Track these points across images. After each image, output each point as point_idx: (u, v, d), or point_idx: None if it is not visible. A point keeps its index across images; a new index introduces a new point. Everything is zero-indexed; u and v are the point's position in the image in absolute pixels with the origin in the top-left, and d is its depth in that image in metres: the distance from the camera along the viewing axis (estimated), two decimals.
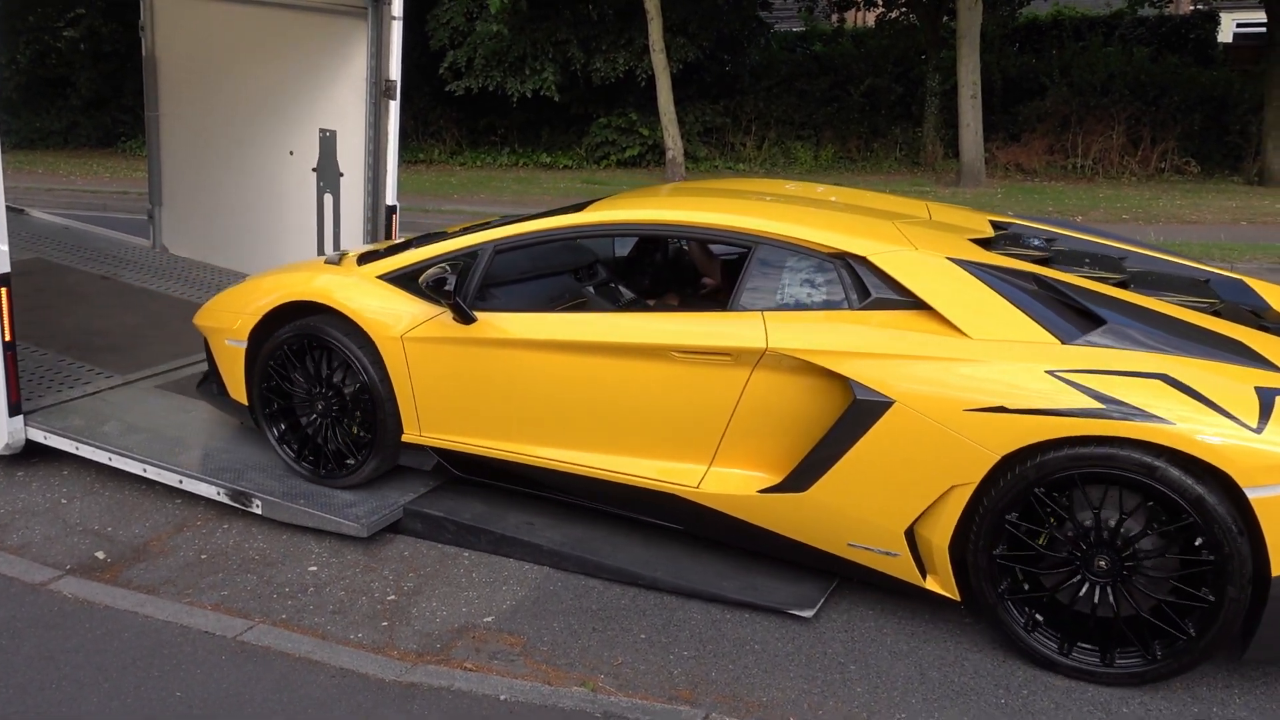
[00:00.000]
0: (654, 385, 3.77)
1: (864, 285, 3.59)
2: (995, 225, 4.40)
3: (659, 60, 16.10)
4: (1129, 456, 3.03)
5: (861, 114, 18.81)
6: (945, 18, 17.90)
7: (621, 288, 4.66)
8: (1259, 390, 3.05)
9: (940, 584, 3.44)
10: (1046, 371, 3.18)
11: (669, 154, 16.20)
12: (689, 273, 5.09)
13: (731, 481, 3.73)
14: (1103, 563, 3.16)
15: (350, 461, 4.39)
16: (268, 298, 4.49)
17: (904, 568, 3.46)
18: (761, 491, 3.62)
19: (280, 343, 4.41)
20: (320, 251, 7.03)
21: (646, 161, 18.36)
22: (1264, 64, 15.72)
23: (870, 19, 22.22)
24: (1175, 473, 2.99)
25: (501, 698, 3.19)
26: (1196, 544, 3.03)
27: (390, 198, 6.48)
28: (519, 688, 3.25)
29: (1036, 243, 4.12)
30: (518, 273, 4.34)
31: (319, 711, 3.15)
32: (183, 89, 7.70)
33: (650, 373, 3.76)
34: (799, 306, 3.66)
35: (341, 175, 6.76)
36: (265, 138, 7.16)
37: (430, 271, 3.97)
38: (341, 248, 6.61)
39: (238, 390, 4.68)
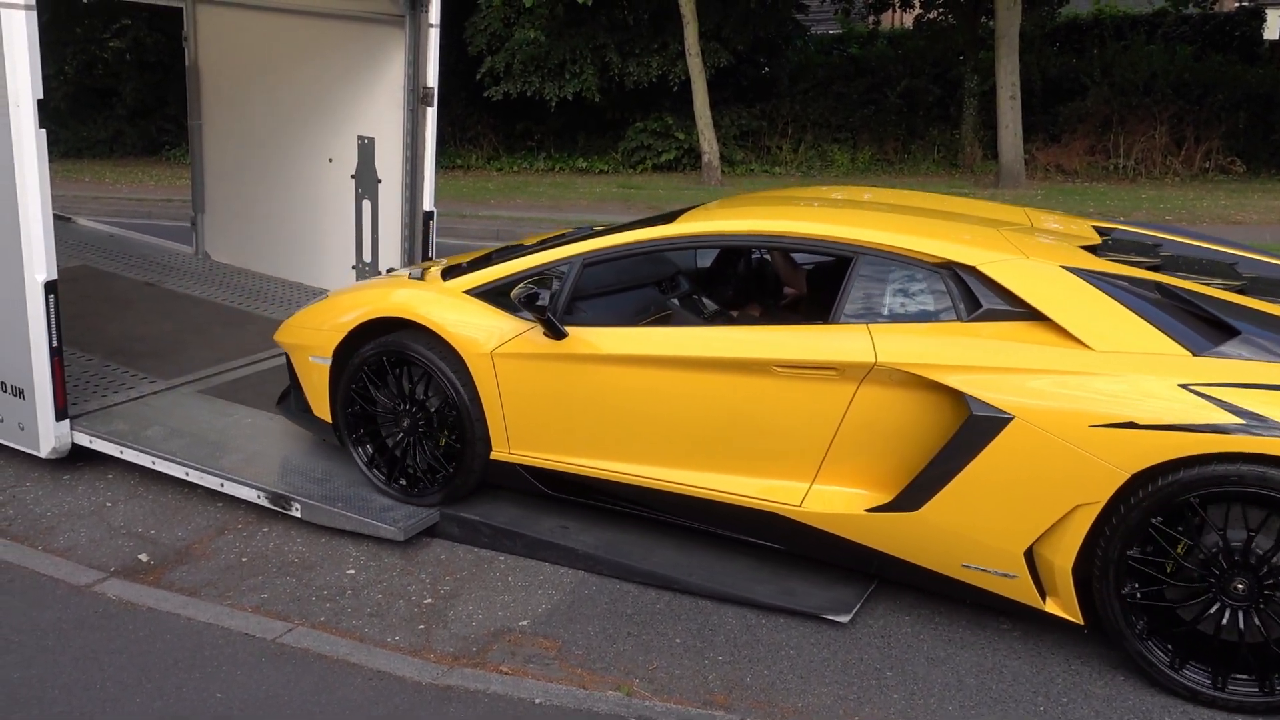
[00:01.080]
0: (754, 400, 3.67)
1: (973, 296, 3.48)
2: (1100, 231, 4.26)
3: (695, 64, 16.09)
4: (1272, 475, 2.89)
5: (899, 116, 18.66)
6: (984, 18, 17.71)
7: (704, 299, 4.64)
8: None
9: (1061, 606, 3.30)
10: (1180, 385, 3.05)
11: (705, 158, 16.18)
12: (771, 283, 5.08)
13: (836, 500, 3.61)
14: (1240, 587, 3.02)
15: (439, 478, 4.36)
16: (353, 313, 4.44)
17: (1023, 590, 3.32)
18: (870, 510, 3.50)
19: (366, 359, 4.35)
20: (359, 258, 7.10)
21: (683, 166, 18.35)
22: None
23: (908, 20, 22.04)
24: None
25: (536, 701, 3.20)
26: None
27: (428, 203, 6.55)
28: (554, 691, 3.27)
29: (1146, 249, 4.00)
30: (603, 286, 4.30)
31: (355, 713, 3.18)
32: (224, 98, 7.81)
33: (751, 387, 3.66)
34: (905, 318, 3.56)
35: (379, 182, 6.82)
36: (305, 145, 7.25)
37: (521, 286, 3.86)
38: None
39: (321, 407, 4.64)
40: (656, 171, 18.23)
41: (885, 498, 3.52)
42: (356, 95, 6.79)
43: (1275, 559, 2.96)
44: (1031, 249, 3.61)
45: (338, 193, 7.08)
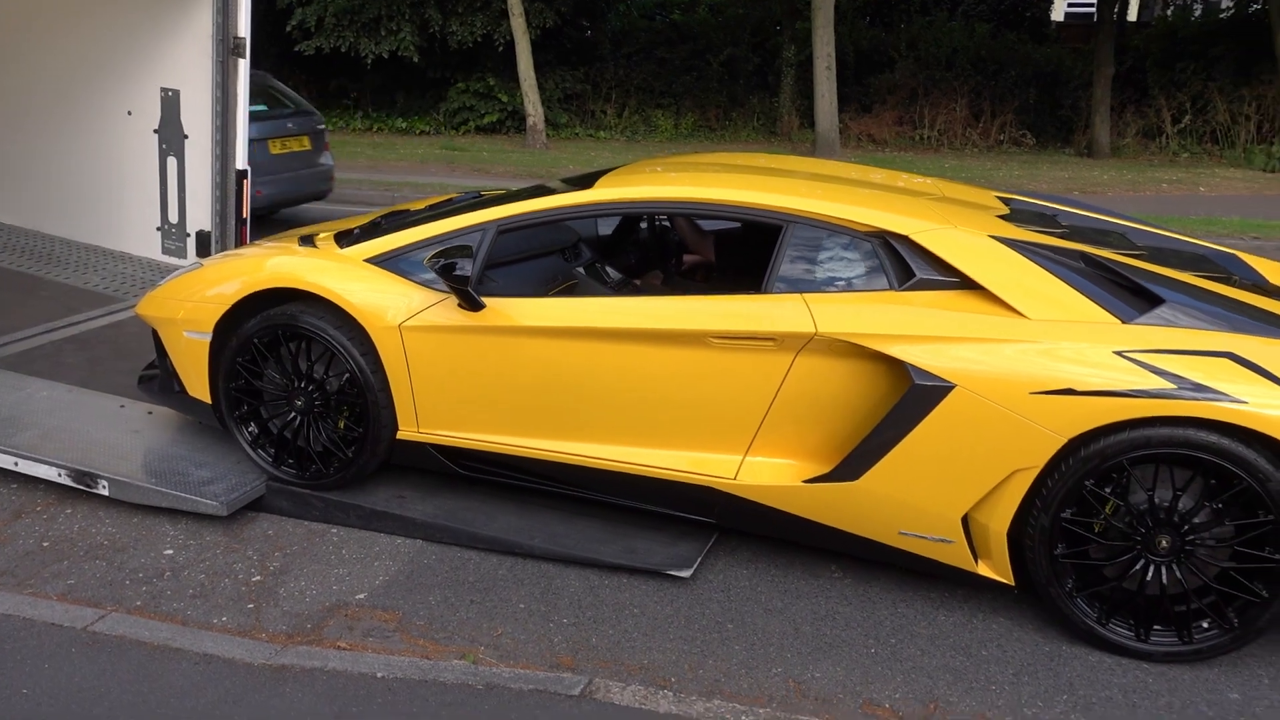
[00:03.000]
0: (687, 372, 3.58)
1: (906, 265, 3.48)
2: (1004, 201, 4.30)
3: (518, 25, 15.84)
4: (1201, 437, 3.01)
5: (720, 83, 18.99)
6: None
7: (608, 268, 4.51)
8: None
9: (994, 569, 3.38)
10: (1115, 352, 3.13)
11: (530, 121, 16.00)
12: (672, 250, 5.00)
13: (770, 472, 3.59)
14: (1164, 543, 3.15)
15: (338, 461, 4.09)
16: (237, 282, 4.10)
17: (958, 554, 3.38)
18: (808, 481, 3.48)
19: (255, 332, 4.05)
20: (164, 219, 6.66)
21: (506, 128, 18.10)
22: (1093, 43, 16.62)
23: None
24: (1248, 451, 2.99)
25: (378, 675, 3.11)
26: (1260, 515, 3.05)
27: (241, 161, 6.18)
28: (396, 664, 3.18)
29: (1048, 219, 4.05)
30: (509, 255, 4.12)
31: (181, 700, 3.00)
32: (9, 46, 7.12)
33: (684, 359, 3.57)
34: (838, 288, 3.53)
35: (186, 138, 6.39)
36: (101, 98, 6.71)
37: (436, 254, 3.67)
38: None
39: (199, 387, 4.30)
40: (479, 134, 17.91)
41: (820, 468, 3.53)
42: (159, 44, 6.32)
43: (1197, 517, 3.11)
44: (958, 218, 3.64)
45: (139, 149, 6.59)
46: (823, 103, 15.30)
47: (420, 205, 4.95)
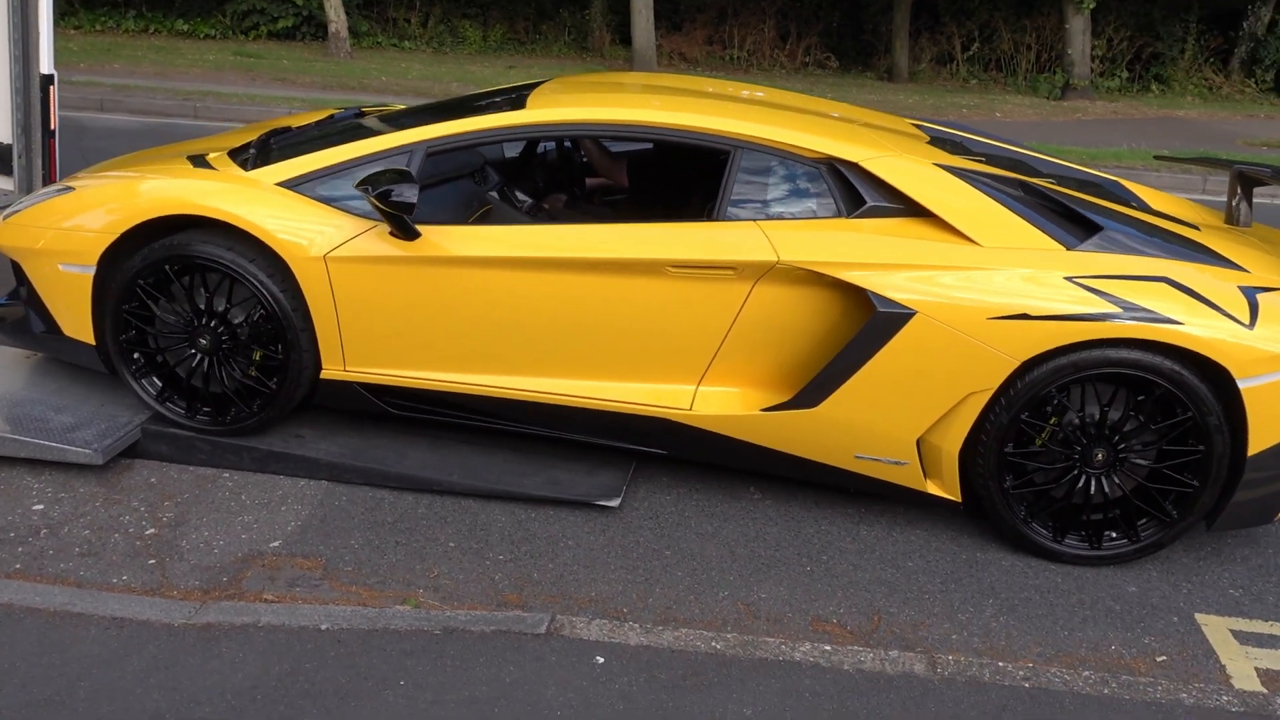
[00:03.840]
0: (641, 302, 3.48)
1: (856, 192, 3.48)
2: (920, 129, 4.30)
3: None
4: (1142, 358, 3.21)
5: None
6: None
7: (517, 192, 4.23)
8: (1243, 289, 3.30)
9: (943, 488, 3.50)
10: (1065, 278, 3.26)
11: (332, 28, 15.02)
12: (576, 173, 4.80)
13: (726, 401, 3.56)
14: (1100, 456, 3.35)
15: (255, 403, 3.75)
16: (129, 208, 3.65)
17: (911, 475, 3.48)
18: (767, 410, 3.47)
19: (148, 265, 3.63)
20: None
21: (302, 35, 16.90)
22: None
23: None
24: (1183, 371, 3.21)
25: (323, 627, 2.94)
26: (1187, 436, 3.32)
27: (46, 65, 5.46)
28: (337, 614, 3.01)
29: (963, 147, 4.08)
30: (423, 178, 3.75)
31: (104, 670, 2.73)
32: None
33: (637, 288, 3.47)
34: (790, 216, 3.50)
35: None
36: None
37: (370, 178, 3.37)
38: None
39: (79, 326, 3.82)
40: (273, 39, 16.65)
41: (772, 396, 3.54)
42: None
43: (1124, 428, 3.35)
44: (899, 146, 3.67)
45: None
46: (639, 19, 15.14)
47: (300, 120, 4.57)
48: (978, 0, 17.33)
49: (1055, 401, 3.34)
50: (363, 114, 4.59)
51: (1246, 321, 3.23)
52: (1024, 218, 3.44)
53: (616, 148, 4.87)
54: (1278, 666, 3.06)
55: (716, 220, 3.53)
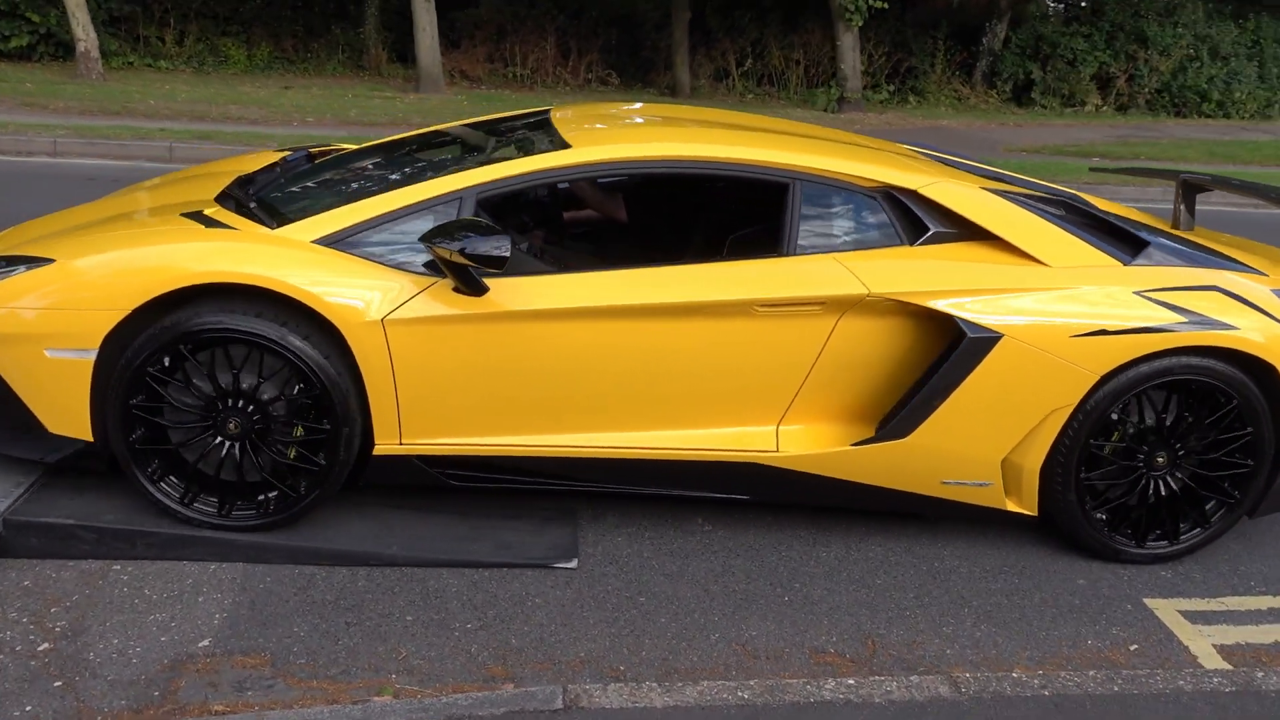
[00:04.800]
0: (723, 345, 3.35)
1: (917, 219, 3.49)
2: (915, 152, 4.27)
3: None
4: (1204, 363, 3.38)
5: (295, 11, 17.51)
6: None
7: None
8: (1274, 292, 3.53)
9: (1021, 504, 3.53)
10: (1135, 293, 3.39)
11: (80, 46, 13.63)
12: (556, 208, 4.52)
13: (809, 439, 3.46)
14: (1161, 459, 3.53)
15: (276, 492, 3.30)
16: (140, 279, 3.11)
17: (994, 495, 3.50)
18: (857, 445, 3.40)
19: (165, 343, 3.12)
20: None
21: (40, 54, 15.27)
22: None
23: None
24: (1238, 371, 3.41)
25: None
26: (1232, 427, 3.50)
27: None
28: (309, 717, 2.63)
29: (973, 169, 4.09)
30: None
31: None
32: None
33: (718, 331, 3.33)
34: (857, 246, 3.46)
35: None
36: None
37: (440, 228, 3.12)
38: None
39: (72, 422, 3.23)
40: (6, 60, 14.94)
41: (852, 429, 3.47)
42: None
43: (1187, 434, 3.52)
44: (942, 172, 3.69)
45: None
46: (423, 36, 14.71)
47: (245, 163, 4.29)
48: (748, 18, 18.00)
49: (1125, 412, 3.48)
50: (309, 151, 4.40)
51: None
52: (1079, 237, 3.55)
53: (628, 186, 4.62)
54: (1230, 641, 3.26)
55: (790, 255, 3.45)
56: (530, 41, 17.64)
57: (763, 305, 3.34)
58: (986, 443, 3.44)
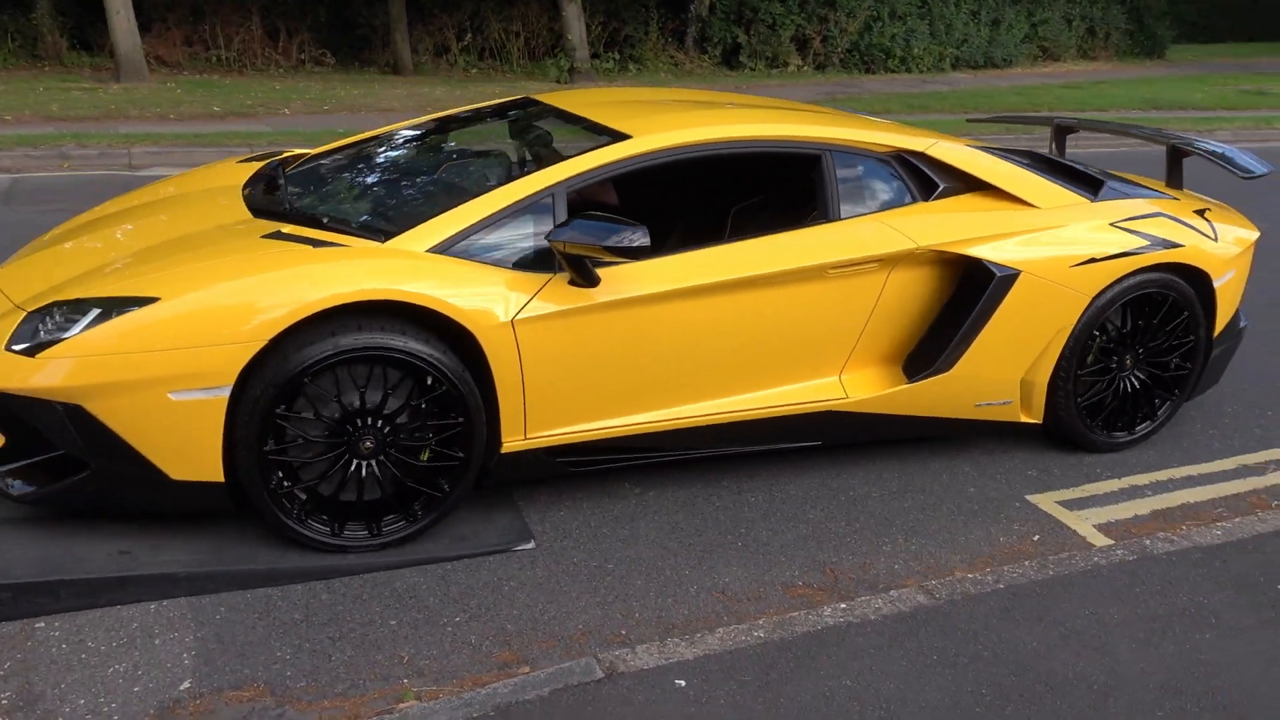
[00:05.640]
0: (801, 307, 3.69)
1: (927, 177, 3.94)
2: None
3: None
4: (1162, 277, 4.04)
5: None
6: None
7: None
8: (1196, 212, 4.25)
9: (1031, 415, 4.11)
10: (1110, 224, 4.01)
11: None
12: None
13: (871, 383, 3.87)
14: (1129, 360, 4.18)
15: (445, 483, 3.32)
16: (267, 311, 2.98)
17: (1012, 411, 4.09)
18: (914, 381, 3.84)
19: (305, 369, 3.04)
20: None
21: None
22: None
23: None
24: (1182, 281, 4.11)
25: None
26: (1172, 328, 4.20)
27: None
28: None
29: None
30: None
31: None
32: None
33: (795, 295, 3.66)
34: (886, 206, 3.88)
35: None
36: None
37: (569, 223, 3.24)
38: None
39: (201, 465, 3.06)
40: None
41: (889, 370, 3.89)
42: None
43: (1149, 337, 4.16)
44: (929, 134, 4.12)
45: None
46: (118, 19, 13.32)
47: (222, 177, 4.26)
48: None
49: (1105, 326, 4.10)
50: (277, 156, 4.48)
51: (1213, 236, 4.19)
52: (1054, 181, 4.09)
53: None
54: (1104, 520, 3.81)
55: (838, 220, 3.78)
56: (232, 22, 16.48)
57: (834, 267, 3.68)
58: (1010, 366, 3.99)
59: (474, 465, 3.34)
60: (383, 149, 4.44)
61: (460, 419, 3.24)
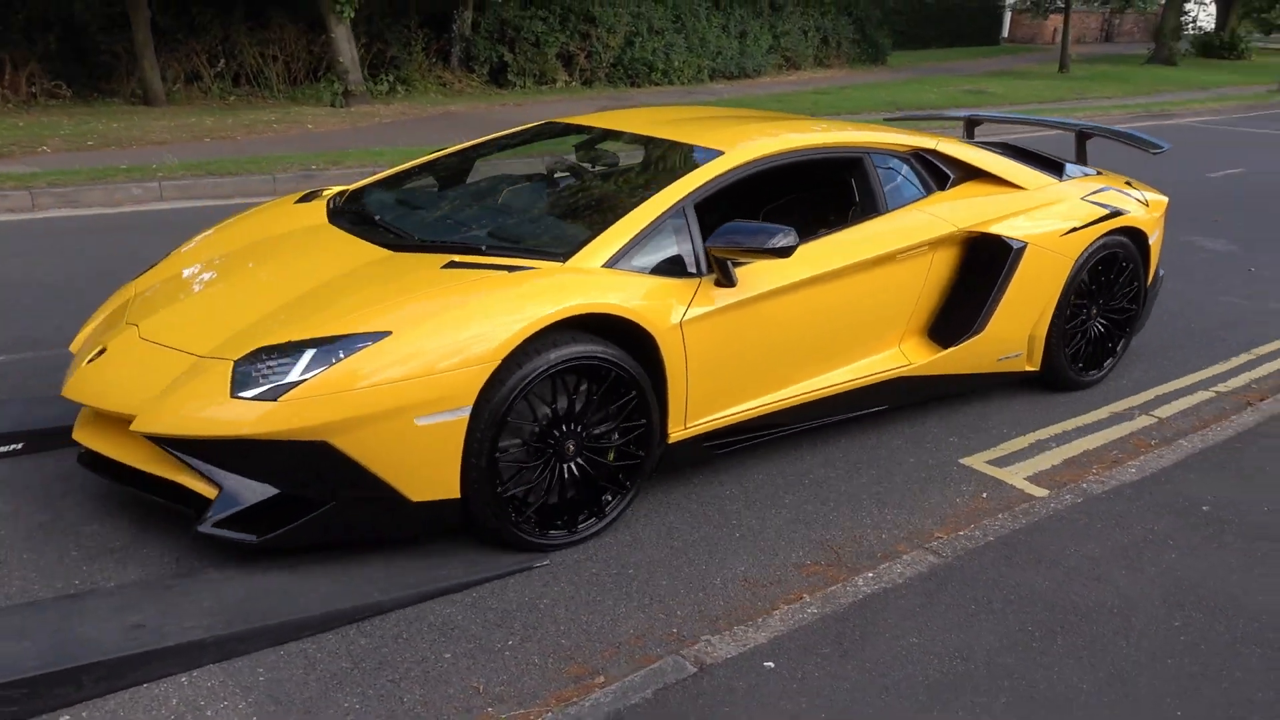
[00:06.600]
0: (879, 289, 4.27)
1: (940, 170, 4.65)
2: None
3: None
4: (1118, 239, 4.94)
5: None
6: None
7: None
8: (1126, 183, 5.21)
9: (1032, 364, 4.87)
10: (1081, 199, 4.86)
11: None
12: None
13: (922, 349, 4.52)
14: (1094, 310, 5.02)
15: (628, 479, 3.62)
16: (495, 334, 3.20)
17: (1021, 362, 4.84)
18: (958, 344, 4.49)
19: (536, 377, 3.29)
20: None
21: None
22: None
23: None
24: (1129, 241, 5.00)
25: None
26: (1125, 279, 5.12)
27: None
28: None
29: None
30: None
31: None
32: None
33: (879, 278, 4.25)
34: (916, 197, 4.53)
35: None
36: None
37: (724, 231, 3.66)
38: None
39: (440, 483, 3.23)
40: None
41: (924, 337, 4.56)
42: None
43: (1116, 289, 5.08)
44: (924, 133, 4.83)
45: None
46: None
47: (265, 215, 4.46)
48: (209, 16, 16.81)
49: (1080, 282, 4.90)
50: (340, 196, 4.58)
51: (1144, 203, 5.13)
52: (1029, 166, 4.78)
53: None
54: (1032, 472, 4.25)
55: (893, 210, 4.40)
56: None
57: (901, 252, 4.30)
58: (1023, 323, 4.74)
59: (652, 459, 3.66)
60: (453, 178, 4.80)
61: (644, 420, 3.57)
